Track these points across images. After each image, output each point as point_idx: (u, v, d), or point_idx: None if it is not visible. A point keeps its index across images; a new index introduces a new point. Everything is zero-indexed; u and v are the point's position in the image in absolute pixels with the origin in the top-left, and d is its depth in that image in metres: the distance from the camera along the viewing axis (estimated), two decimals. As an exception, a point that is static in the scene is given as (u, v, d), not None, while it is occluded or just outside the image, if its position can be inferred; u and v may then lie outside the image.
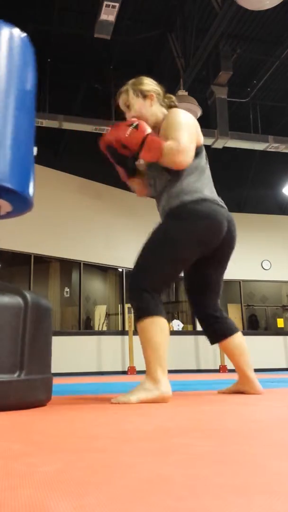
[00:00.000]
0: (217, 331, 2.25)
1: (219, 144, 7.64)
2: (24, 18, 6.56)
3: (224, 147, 7.84)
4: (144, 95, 2.16)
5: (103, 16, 5.53)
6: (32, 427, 1.25)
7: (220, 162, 9.85)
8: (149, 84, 2.21)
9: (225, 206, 2.12)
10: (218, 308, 2.29)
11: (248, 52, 7.61)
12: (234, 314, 10.88)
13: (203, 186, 2.08)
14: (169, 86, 7.51)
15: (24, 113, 1.79)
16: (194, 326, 10.00)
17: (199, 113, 6.91)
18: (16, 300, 1.64)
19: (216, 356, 8.91)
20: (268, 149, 8.09)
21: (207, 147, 7.98)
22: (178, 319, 9.89)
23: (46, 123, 6.91)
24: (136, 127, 1.95)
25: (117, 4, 5.37)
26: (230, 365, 8.72)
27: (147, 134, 1.94)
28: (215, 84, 7.51)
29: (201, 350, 9.10)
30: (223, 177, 10.33)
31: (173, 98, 2.27)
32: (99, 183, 8.74)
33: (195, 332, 9.60)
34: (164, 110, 2.18)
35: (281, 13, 6.69)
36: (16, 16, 6.49)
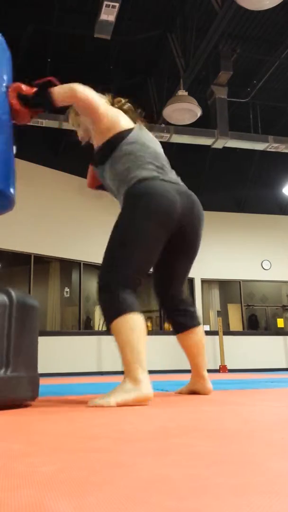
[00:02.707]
0: (179, 323, 2.19)
1: (219, 144, 7.64)
2: (24, 18, 6.56)
3: (224, 147, 7.84)
4: None
5: (103, 16, 5.53)
6: (32, 427, 1.25)
7: (220, 162, 9.86)
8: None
9: (177, 182, 2.03)
10: (184, 299, 2.22)
11: (248, 52, 7.61)
12: (234, 314, 10.89)
13: (139, 167, 1.98)
14: (169, 86, 7.55)
15: (6, 113, 1.79)
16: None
17: (199, 113, 6.91)
18: (1, 297, 1.64)
19: (216, 356, 8.90)
20: (268, 149, 8.09)
21: (207, 147, 8.02)
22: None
23: (46, 123, 6.91)
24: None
25: (117, 4, 5.37)
26: (230, 365, 8.72)
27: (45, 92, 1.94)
28: (215, 84, 7.51)
29: (201, 350, 9.09)
30: (223, 177, 10.38)
31: (123, 101, 2.19)
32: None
33: (195, 332, 9.59)
34: None
35: (281, 13, 6.69)
36: (16, 16, 6.49)
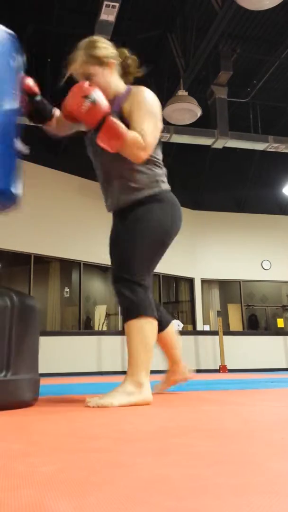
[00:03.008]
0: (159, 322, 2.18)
1: (219, 144, 7.64)
2: (24, 18, 6.56)
3: (224, 147, 7.83)
4: (103, 62, 1.90)
5: (103, 16, 5.52)
6: (32, 427, 1.25)
7: (220, 162, 9.86)
8: (106, 47, 1.93)
9: None
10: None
11: (248, 52, 7.61)
12: (234, 314, 10.89)
13: (163, 176, 2.01)
14: (169, 86, 7.54)
15: (6, 108, 1.76)
16: (194, 326, 10.00)
17: (199, 113, 6.91)
18: (3, 300, 1.63)
19: (216, 356, 8.90)
20: (268, 149, 8.09)
21: (207, 147, 8.02)
22: (178, 319, 9.89)
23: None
24: (94, 102, 1.70)
25: (117, 4, 5.37)
26: (230, 365, 8.72)
27: (107, 115, 1.71)
28: (215, 84, 7.51)
29: (201, 350, 9.10)
30: (223, 177, 10.38)
31: (127, 53, 2.01)
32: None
33: (195, 332, 9.59)
34: (121, 82, 1.97)
35: (281, 13, 6.69)
36: (16, 16, 6.49)
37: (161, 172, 1.99)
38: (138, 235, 1.89)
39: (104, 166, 1.99)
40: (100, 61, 1.89)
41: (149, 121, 1.82)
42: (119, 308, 1.92)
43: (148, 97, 1.89)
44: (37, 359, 1.84)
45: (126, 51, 2.03)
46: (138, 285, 1.82)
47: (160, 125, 1.91)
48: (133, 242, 1.88)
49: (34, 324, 1.79)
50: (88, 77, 1.89)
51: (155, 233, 1.90)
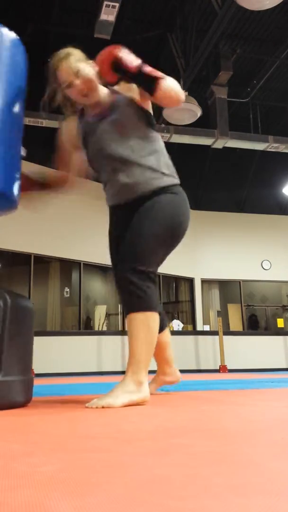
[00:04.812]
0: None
1: (219, 144, 7.64)
2: (24, 18, 6.56)
3: (224, 147, 7.83)
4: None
5: (103, 16, 5.53)
6: (32, 427, 1.25)
7: (220, 162, 9.86)
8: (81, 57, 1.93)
9: None
10: None
11: (248, 52, 7.61)
12: (234, 314, 10.89)
13: (171, 168, 1.97)
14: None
15: (12, 112, 1.76)
16: (194, 326, 9.99)
17: (199, 113, 6.91)
18: None
19: (216, 356, 8.90)
20: (268, 149, 8.09)
21: (207, 147, 8.02)
22: (178, 319, 9.89)
23: (46, 123, 6.90)
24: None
25: (117, 4, 5.37)
26: (230, 365, 8.73)
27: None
28: (215, 84, 7.52)
29: (201, 350, 9.09)
30: (223, 177, 10.38)
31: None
32: (99, 183, 8.75)
33: (195, 332, 9.59)
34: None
35: (281, 13, 6.69)
36: (16, 16, 6.49)
37: (167, 161, 1.95)
38: (151, 227, 1.83)
39: (107, 158, 1.94)
40: (87, 60, 1.90)
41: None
42: (121, 297, 1.82)
43: None
44: (31, 360, 1.83)
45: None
46: (149, 278, 1.79)
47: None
48: (143, 234, 1.81)
49: (28, 325, 1.78)
50: (77, 72, 1.87)
51: (168, 226, 1.85)
